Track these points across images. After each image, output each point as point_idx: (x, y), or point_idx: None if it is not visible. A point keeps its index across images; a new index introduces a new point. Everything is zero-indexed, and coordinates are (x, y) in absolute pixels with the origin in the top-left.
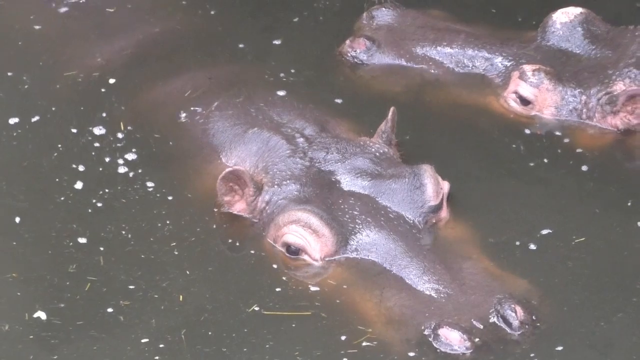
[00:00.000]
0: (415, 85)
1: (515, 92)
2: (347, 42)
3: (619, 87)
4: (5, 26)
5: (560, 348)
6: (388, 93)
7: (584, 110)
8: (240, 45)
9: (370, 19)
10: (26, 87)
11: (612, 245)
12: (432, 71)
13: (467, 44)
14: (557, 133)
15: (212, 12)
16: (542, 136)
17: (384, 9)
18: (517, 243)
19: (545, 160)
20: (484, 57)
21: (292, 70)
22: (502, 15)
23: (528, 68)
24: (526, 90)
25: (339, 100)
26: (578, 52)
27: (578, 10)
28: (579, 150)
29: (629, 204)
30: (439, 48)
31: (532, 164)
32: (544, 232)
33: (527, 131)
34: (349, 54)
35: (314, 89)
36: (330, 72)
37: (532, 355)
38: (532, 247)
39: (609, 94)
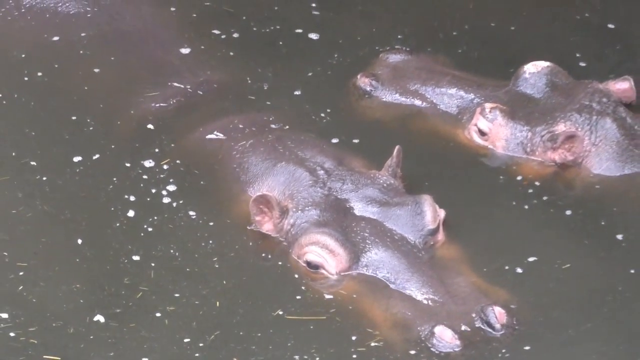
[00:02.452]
0: (403, 116)
1: (476, 125)
2: (358, 76)
3: (561, 127)
4: (67, 76)
5: (527, 348)
6: (379, 121)
7: (529, 144)
8: (268, 102)
9: (384, 59)
10: (90, 128)
11: (589, 265)
12: (418, 104)
13: (450, 84)
14: (507, 163)
15: (242, 67)
16: (496, 166)
17: (396, 52)
18: (500, 264)
19: (500, 187)
20: (461, 96)
21: (306, 107)
22: (501, 65)
23: (487, 106)
24: (483, 124)
25: (333, 120)
26: (538, 97)
27: (546, 63)
28: (530, 182)
29: (593, 228)
30: (426, 86)
31: (489, 190)
32: (530, 259)
33: (484, 160)
34: (358, 86)
35: (316, 117)
36: (336, 103)
37: (504, 351)
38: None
39: (551, 132)
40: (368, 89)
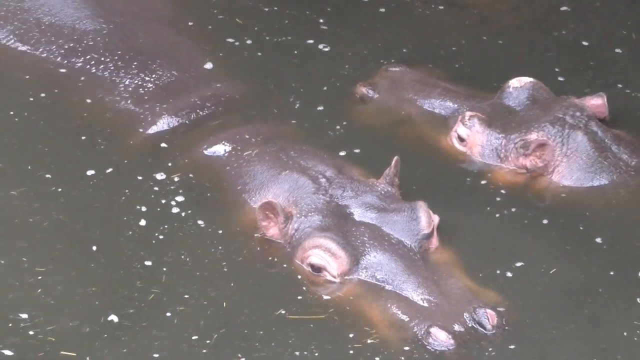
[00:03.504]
0: (395, 122)
1: (456, 132)
2: (358, 85)
3: (533, 136)
4: (73, 101)
5: (513, 347)
6: (373, 126)
7: (502, 151)
8: (275, 110)
9: (385, 70)
10: (102, 147)
11: (571, 269)
12: (410, 112)
13: (440, 95)
14: (483, 169)
15: (251, 78)
16: (473, 171)
17: (396, 65)
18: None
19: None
20: (448, 106)
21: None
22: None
23: (467, 114)
24: (462, 131)
25: (337, 127)
26: (519, 109)
27: (529, 79)
28: (504, 188)
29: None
30: (418, 96)
31: (466, 195)
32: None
33: (463, 166)
34: (357, 93)
35: (320, 119)
36: (338, 108)
37: (490, 349)
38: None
39: (523, 140)
40: (365, 96)
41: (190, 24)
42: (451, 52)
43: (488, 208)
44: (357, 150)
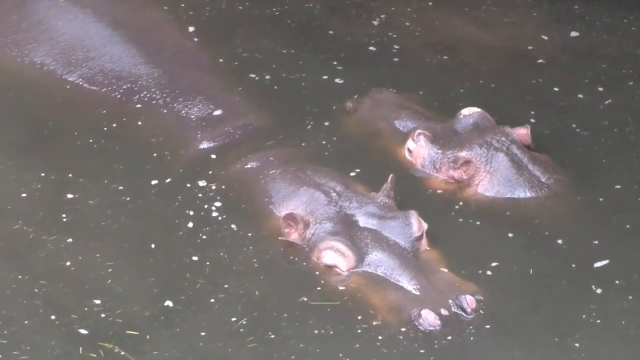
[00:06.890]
0: (367, 133)
1: (407, 145)
2: (347, 101)
3: (462, 154)
4: (140, 126)
5: (488, 326)
6: (350, 135)
7: (438, 163)
8: (282, 135)
9: (374, 92)
10: (158, 164)
11: (537, 268)
12: (381, 127)
13: (406, 116)
14: (423, 177)
15: (274, 109)
16: (416, 178)
17: (383, 90)
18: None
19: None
20: (409, 125)
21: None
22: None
23: (417, 131)
24: (411, 144)
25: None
26: (462, 133)
27: (477, 109)
28: (436, 193)
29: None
30: (390, 114)
31: (414, 199)
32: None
33: (410, 173)
34: (345, 107)
35: (311, 127)
36: (329, 120)
37: (471, 327)
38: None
39: (455, 156)
40: (350, 110)
41: (220, 60)
42: (458, 93)
43: (426, 209)
44: (335, 152)
